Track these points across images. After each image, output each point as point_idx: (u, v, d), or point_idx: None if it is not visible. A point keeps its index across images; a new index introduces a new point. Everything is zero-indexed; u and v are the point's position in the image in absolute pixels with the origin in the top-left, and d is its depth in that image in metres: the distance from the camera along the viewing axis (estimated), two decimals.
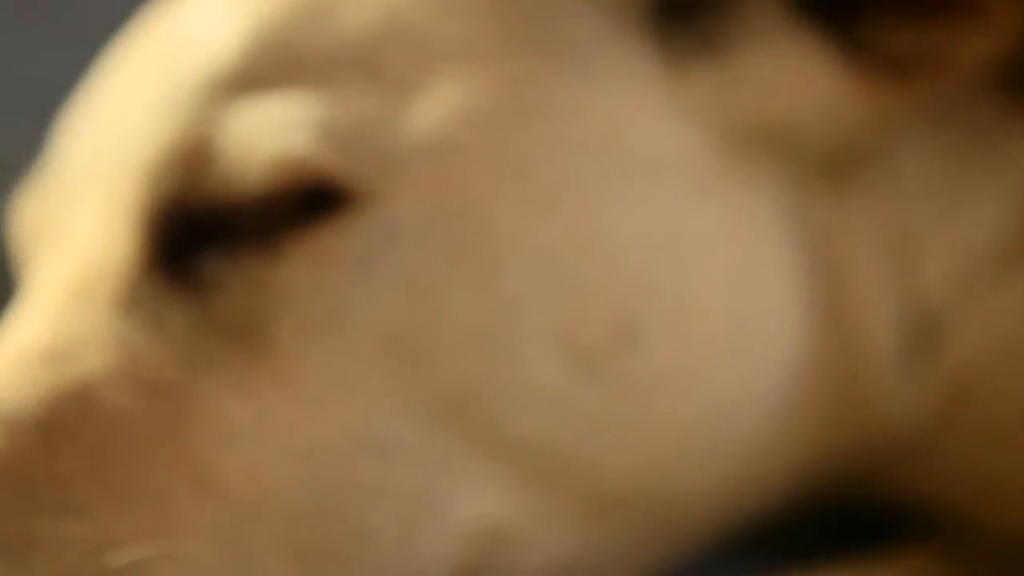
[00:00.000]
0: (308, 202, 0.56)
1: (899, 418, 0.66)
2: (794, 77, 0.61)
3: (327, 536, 0.54)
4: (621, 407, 0.58)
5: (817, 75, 0.62)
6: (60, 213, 0.63)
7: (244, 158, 0.55)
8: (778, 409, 0.63)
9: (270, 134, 0.55)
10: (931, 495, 0.69)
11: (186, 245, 0.57)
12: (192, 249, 0.57)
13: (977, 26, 0.62)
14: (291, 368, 0.55)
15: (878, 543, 0.69)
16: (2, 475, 0.51)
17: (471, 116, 0.57)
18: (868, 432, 0.66)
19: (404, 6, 0.59)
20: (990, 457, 0.67)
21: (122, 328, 0.56)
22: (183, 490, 0.53)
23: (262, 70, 0.57)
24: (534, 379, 0.57)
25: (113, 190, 0.59)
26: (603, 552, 0.61)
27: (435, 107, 0.57)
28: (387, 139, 0.56)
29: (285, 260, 0.56)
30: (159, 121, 0.58)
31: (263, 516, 0.53)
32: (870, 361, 0.65)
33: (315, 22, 0.59)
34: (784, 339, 0.63)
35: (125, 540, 0.51)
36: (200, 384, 0.55)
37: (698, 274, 0.60)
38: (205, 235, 0.57)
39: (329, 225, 0.56)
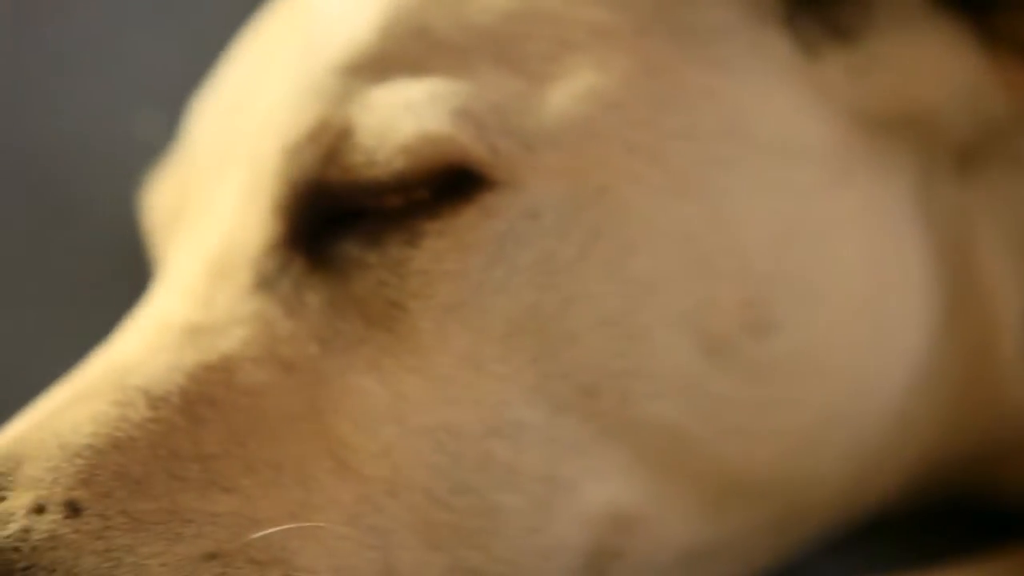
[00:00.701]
0: (446, 184, 0.56)
1: (1023, 406, 0.66)
2: (930, 64, 0.61)
3: (460, 514, 0.55)
4: (750, 393, 0.58)
5: (953, 63, 0.61)
6: (197, 193, 0.64)
7: (384, 139, 0.56)
8: (906, 397, 0.63)
9: (411, 116, 0.56)
10: None
11: (324, 226, 0.58)
12: (330, 230, 0.58)
13: None
14: (427, 350, 0.56)
15: (990, 542, 0.68)
16: (151, 449, 0.52)
17: (606, 101, 0.58)
18: (991, 420, 0.66)
19: None
20: None
21: (262, 307, 0.57)
22: (322, 467, 0.54)
23: (399, 55, 0.58)
24: (664, 363, 0.57)
25: (252, 171, 0.60)
26: (724, 542, 0.61)
27: (571, 93, 0.58)
28: (524, 123, 0.57)
29: (424, 243, 0.56)
30: (298, 103, 0.58)
31: (399, 494, 0.54)
32: (996, 348, 0.65)
33: (449, 9, 0.59)
34: (913, 325, 0.63)
35: (269, 516, 0.52)
36: (337, 363, 0.56)
37: (829, 261, 0.60)
38: (343, 217, 0.58)
39: (468, 208, 0.56)
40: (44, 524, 0.50)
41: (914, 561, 0.64)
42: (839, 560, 0.66)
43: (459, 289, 0.56)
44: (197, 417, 0.53)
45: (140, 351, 0.56)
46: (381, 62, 0.58)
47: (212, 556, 0.50)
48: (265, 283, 0.58)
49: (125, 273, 0.72)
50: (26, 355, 0.81)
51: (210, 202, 0.62)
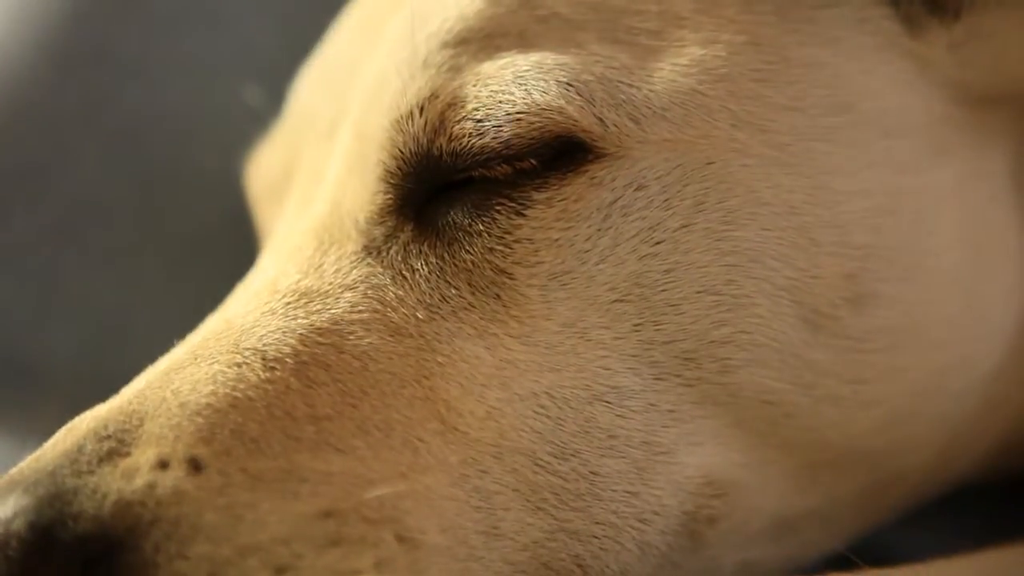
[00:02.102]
0: (554, 155, 0.57)
1: None
2: None
3: (563, 477, 0.56)
4: (847, 364, 0.59)
5: None
6: (302, 162, 0.65)
7: (494, 109, 0.57)
8: (995, 371, 0.64)
9: (520, 87, 0.57)
10: None
11: (431, 195, 0.59)
12: (437, 199, 0.59)
13: None
14: (533, 317, 0.57)
15: None
16: (267, 410, 0.54)
17: (713, 75, 0.58)
18: None
19: None
20: None
21: (370, 272, 0.58)
22: (430, 430, 0.55)
23: (508, 29, 0.59)
24: (764, 333, 0.58)
25: (359, 141, 0.61)
26: (814, 511, 0.62)
27: (677, 66, 0.59)
28: (632, 96, 0.58)
29: (532, 212, 0.57)
30: (407, 75, 0.60)
31: (503, 456, 0.56)
32: None
33: None
34: (1004, 301, 0.63)
35: (380, 476, 0.53)
36: (444, 329, 0.57)
37: (927, 234, 0.61)
38: (450, 186, 0.59)
39: (575, 178, 0.57)
40: (168, 480, 0.51)
41: (997, 535, 0.64)
42: (925, 530, 0.66)
43: (565, 257, 0.57)
44: (310, 379, 0.55)
45: (253, 315, 0.58)
46: (489, 36, 0.59)
47: (327, 514, 0.52)
48: (374, 250, 0.59)
49: (230, 239, 0.73)
50: (139, 318, 0.83)
51: (316, 171, 0.64)
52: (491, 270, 0.58)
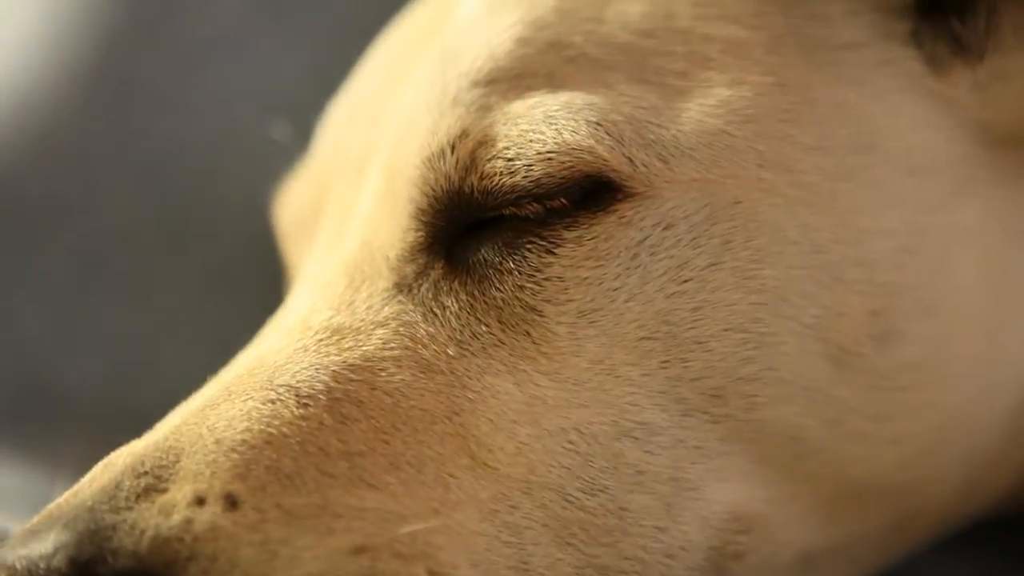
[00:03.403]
0: (584, 194, 0.58)
1: None
2: None
3: (592, 513, 0.57)
4: (872, 400, 0.60)
5: None
6: (330, 199, 0.66)
7: (524, 148, 0.58)
8: (1019, 402, 0.64)
9: (551, 127, 0.58)
10: None
11: (462, 233, 0.60)
12: (467, 237, 0.60)
13: None
14: (562, 353, 0.58)
15: None
16: (301, 446, 0.54)
17: (740, 116, 0.59)
18: None
19: (672, 11, 0.61)
20: None
21: (402, 309, 0.59)
22: (460, 465, 0.56)
23: (537, 69, 0.60)
24: (790, 370, 0.58)
25: (389, 178, 0.62)
26: (840, 544, 0.62)
27: (705, 107, 0.59)
28: (660, 136, 0.58)
29: (562, 251, 0.58)
30: (437, 113, 0.60)
31: (533, 492, 0.56)
32: None
33: (586, 25, 0.61)
34: None
35: (413, 512, 0.54)
36: (474, 365, 0.58)
37: (950, 272, 0.61)
38: (480, 224, 0.59)
39: (605, 217, 0.58)
40: (205, 516, 0.52)
41: (1019, 566, 0.65)
42: (948, 563, 0.67)
43: (594, 295, 0.58)
44: (343, 416, 0.56)
45: (286, 351, 0.58)
46: (519, 76, 0.60)
47: (361, 550, 0.52)
48: (404, 287, 0.60)
49: (254, 271, 0.74)
50: (165, 350, 0.83)
51: (346, 208, 0.64)
52: (521, 307, 0.58)
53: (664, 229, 0.58)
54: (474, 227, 0.60)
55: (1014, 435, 0.65)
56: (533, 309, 0.58)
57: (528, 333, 0.58)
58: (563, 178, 0.58)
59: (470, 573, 0.54)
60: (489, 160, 0.58)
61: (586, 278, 0.58)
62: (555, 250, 0.58)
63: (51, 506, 0.54)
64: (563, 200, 0.58)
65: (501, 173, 0.58)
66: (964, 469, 0.64)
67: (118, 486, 0.53)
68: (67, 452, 0.66)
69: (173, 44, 0.91)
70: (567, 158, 0.58)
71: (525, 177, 0.58)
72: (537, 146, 0.58)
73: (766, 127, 0.59)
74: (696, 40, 0.61)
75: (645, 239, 0.58)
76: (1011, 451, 0.66)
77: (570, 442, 0.57)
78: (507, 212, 0.59)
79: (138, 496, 0.52)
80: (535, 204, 0.58)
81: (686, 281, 0.58)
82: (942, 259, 0.61)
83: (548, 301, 0.58)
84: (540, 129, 0.58)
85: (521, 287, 0.58)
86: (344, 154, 0.67)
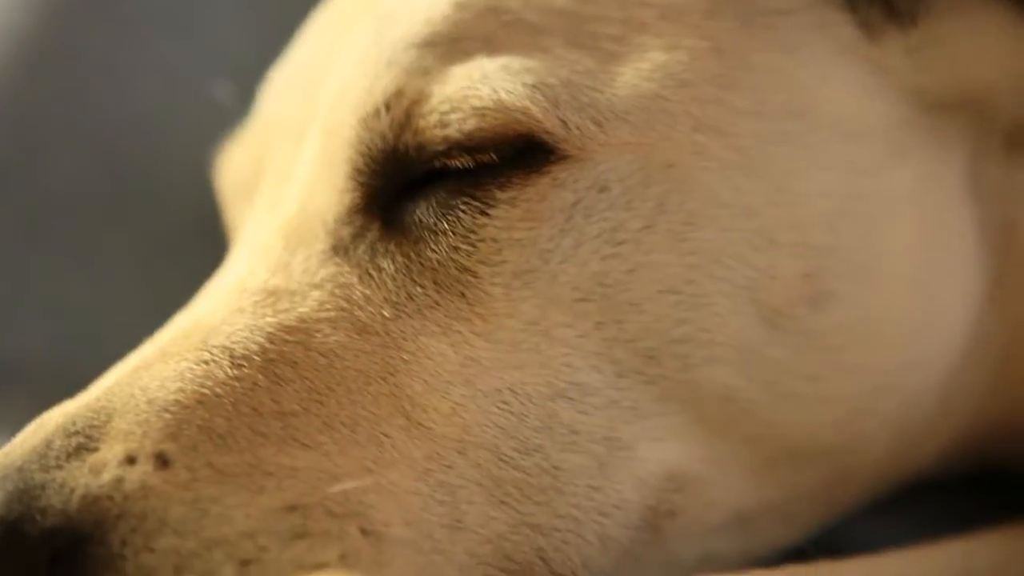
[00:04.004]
0: (516, 153, 0.58)
1: None
2: (987, 47, 0.63)
3: (527, 472, 0.57)
4: (805, 362, 0.60)
5: (1010, 46, 0.63)
6: (271, 162, 0.66)
7: (459, 103, 0.58)
8: (951, 369, 0.65)
9: (486, 86, 0.58)
10: None
11: (398, 195, 0.60)
12: (403, 199, 0.60)
13: None
14: (497, 315, 0.58)
15: None
16: (234, 406, 0.55)
17: (675, 80, 0.60)
18: None
19: None
20: None
21: (338, 271, 0.59)
22: (395, 426, 0.56)
23: (474, 32, 0.60)
24: (723, 331, 0.59)
25: (327, 141, 0.62)
26: (774, 504, 0.63)
27: (641, 71, 0.60)
28: (595, 100, 0.59)
29: (496, 212, 0.58)
30: (373, 76, 0.60)
31: (467, 452, 0.57)
32: None
33: None
34: (960, 300, 0.65)
35: (346, 471, 0.54)
36: (409, 327, 0.58)
37: (885, 235, 0.62)
38: (416, 185, 0.60)
39: (539, 179, 0.58)
40: (135, 475, 0.52)
41: (953, 526, 0.65)
42: (882, 524, 0.68)
43: (528, 257, 0.58)
44: (277, 376, 0.56)
45: (221, 313, 0.58)
46: (456, 40, 0.60)
47: (292, 508, 0.53)
48: (341, 249, 0.60)
49: (200, 236, 0.74)
50: (109, 315, 0.83)
51: (285, 171, 0.64)
52: (456, 269, 0.59)
53: (598, 192, 0.59)
54: (411, 188, 0.60)
55: (948, 398, 0.66)
56: (467, 270, 0.59)
57: (463, 294, 0.58)
58: (495, 134, 0.58)
59: (403, 531, 0.54)
60: (423, 115, 0.59)
61: (520, 239, 0.58)
62: (489, 211, 0.58)
63: None
64: (493, 155, 0.58)
65: (434, 126, 0.58)
66: (897, 431, 0.65)
67: (48, 445, 0.53)
68: (10, 418, 0.66)
69: (117, 10, 0.90)
70: (501, 116, 0.58)
71: (458, 130, 0.58)
72: (473, 102, 0.58)
73: (701, 91, 0.60)
74: (632, 5, 0.61)
75: (579, 201, 0.58)
76: (945, 414, 0.66)
77: (504, 402, 0.57)
78: (438, 164, 0.59)
79: (69, 455, 0.53)
80: (465, 156, 0.58)
81: (620, 243, 0.58)
82: (876, 222, 0.62)
83: (482, 262, 0.58)
84: (476, 87, 0.58)
85: (456, 248, 0.59)
86: (284, 118, 0.67)
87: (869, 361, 0.62)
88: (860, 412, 0.63)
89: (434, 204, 0.59)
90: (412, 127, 0.59)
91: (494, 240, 0.58)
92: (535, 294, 0.58)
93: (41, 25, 0.88)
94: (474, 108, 0.58)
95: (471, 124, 0.58)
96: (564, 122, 0.58)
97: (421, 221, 0.59)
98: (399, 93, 0.59)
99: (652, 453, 0.59)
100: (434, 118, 0.58)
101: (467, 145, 0.58)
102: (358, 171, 0.60)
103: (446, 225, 0.59)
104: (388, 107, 0.59)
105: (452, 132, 0.58)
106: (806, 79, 0.61)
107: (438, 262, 0.59)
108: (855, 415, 0.63)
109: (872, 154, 0.62)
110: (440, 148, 0.58)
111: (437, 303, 0.59)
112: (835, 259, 0.60)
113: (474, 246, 0.58)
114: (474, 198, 0.59)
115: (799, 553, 0.61)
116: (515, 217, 0.58)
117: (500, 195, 0.58)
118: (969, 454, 0.69)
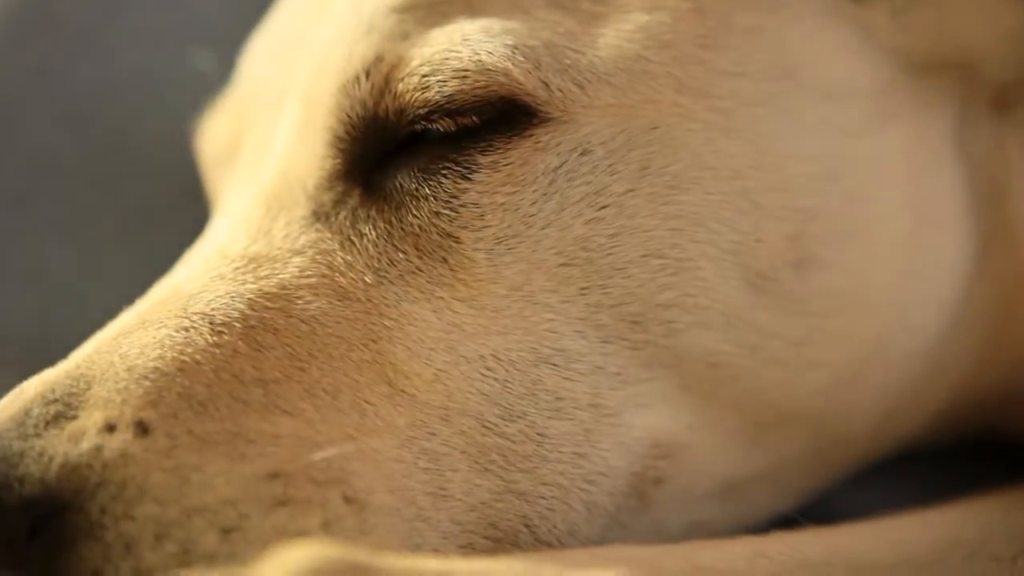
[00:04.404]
0: (498, 116, 0.58)
1: None
2: (974, 9, 0.62)
3: (511, 439, 0.57)
4: (791, 326, 0.60)
5: (996, 10, 0.62)
6: (251, 129, 0.65)
7: (440, 66, 0.57)
8: (939, 334, 0.65)
9: (466, 48, 0.57)
10: None
11: (379, 160, 0.59)
12: (384, 164, 0.59)
13: None
14: (480, 280, 0.58)
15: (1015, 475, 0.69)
16: (215, 373, 0.54)
17: (657, 40, 0.59)
18: (1019, 359, 0.67)
19: None
20: None
21: (319, 237, 0.59)
22: (377, 393, 0.56)
23: None
24: (708, 295, 0.58)
25: (307, 107, 0.61)
26: (761, 472, 0.63)
27: (622, 32, 0.59)
28: (577, 61, 0.58)
29: (477, 177, 0.58)
30: (352, 42, 0.60)
31: (451, 419, 0.56)
32: None
33: None
34: (948, 264, 0.64)
35: (328, 438, 0.54)
36: (392, 293, 0.58)
37: (870, 198, 0.61)
38: (397, 151, 0.59)
39: (520, 142, 0.58)
40: (115, 442, 0.52)
41: (944, 495, 0.65)
42: (873, 493, 0.67)
43: (511, 221, 0.58)
44: (258, 343, 0.55)
45: (202, 280, 0.58)
46: (436, 2, 0.59)
47: (274, 475, 0.52)
48: (322, 215, 0.59)
49: (182, 205, 0.73)
50: (90, 285, 0.83)
51: (265, 138, 0.64)
52: (438, 234, 0.58)
53: (581, 155, 0.58)
54: (392, 154, 0.59)
55: (937, 365, 0.65)
56: (450, 236, 0.58)
57: (445, 260, 0.58)
58: (476, 97, 0.57)
59: (386, 499, 0.54)
60: (403, 79, 0.58)
61: (503, 204, 0.58)
62: (470, 176, 0.58)
63: None
64: (475, 118, 0.58)
65: (414, 89, 0.58)
66: (884, 398, 0.64)
67: (27, 414, 0.53)
68: None
69: None
70: (482, 78, 0.57)
71: (439, 92, 0.57)
72: (453, 63, 0.57)
73: (683, 52, 0.59)
74: None
75: (562, 164, 0.58)
76: (934, 381, 0.66)
77: (488, 368, 0.57)
78: (419, 128, 0.58)
79: (47, 423, 0.52)
80: (446, 119, 0.58)
81: (604, 207, 0.58)
82: (862, 185, 0.61)
83: (465, 228, 0.58)
84: (457, 49, 0.58)
85: (437, 213, 0.58)
86: (264, 86, 0.66)
87: (855, 326, 0.61)
88: (847, 378, 0.62)
89: (415, 170, 0.59)
90: (392, 91, 0.58)
91: (476, 205, 0.58)
92: (518, 259, 0.58)
93: None
94: (454, 70, 0.57)
95: (451, 86, 0.57)
96: (546, 84, 0.58)
97: (402, 187, 0.59)
98: (379, 59, 0.59)
99: (638, 419, 0.59)
100: (414, 81, 0.58)
101: (448, 108, 0.58)
102: (339, 138, 0.60)
103: (428, 190, 0.58)
104: (368, 73, 0.59)
105: (432, 95, 0.57)
106: (790, 39, 0.60)
107: (420, 228, 0.58)
108: (842, 381, 0.62)
109: (857, 116, 0.61)
110: (421, 111, 0.58)
111: (419, 269, 0.58)
112: (820, 222, 0.60)
113: (456, 211, 0.58)
114: (456, 163, 0.58)
115: (788, 522, 0.61)
116: (497, 182, 0.58)
117: (482, 159, 0.58)
118: (960, 421, 0.69)
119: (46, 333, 0.81)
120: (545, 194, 0.58)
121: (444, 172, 0.58)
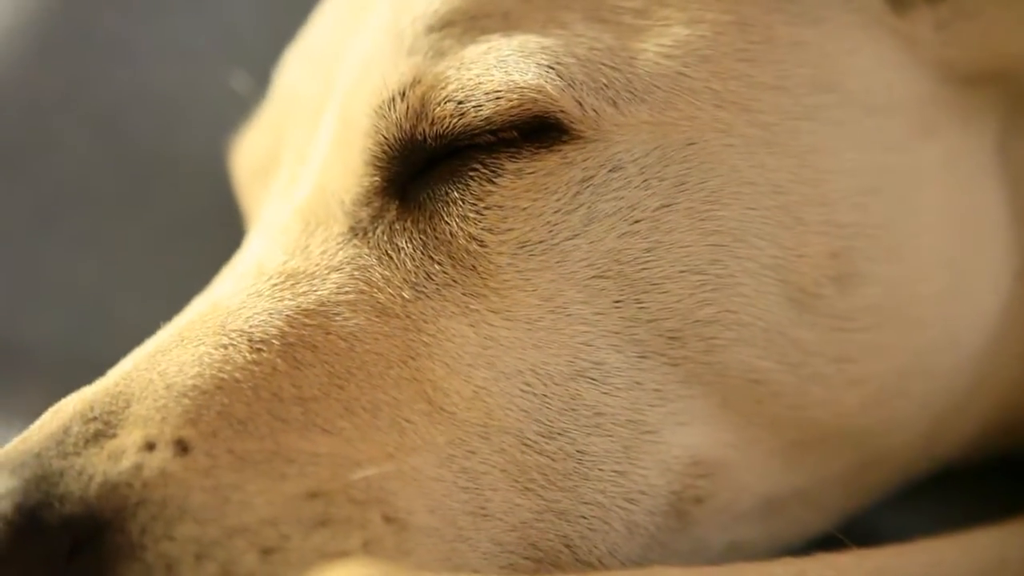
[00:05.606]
0: (532, 133, 0.57)
1: None
2: (1018, 22, 0.62)
3: (551, 457, 0.56)
4: (833, 343, 0.59)
5: None
6: (287, 146, 0.65)
7: (472, 93, 0.57)
8: (981, 351, 0.64)
9: (499, 71, 0.57)
10: None
11: (415, 175, 0.59)
12: (422, 176, 0.59)
13: None
14: (509, 288, 0.57)
15: None
16: (254, 391, 0.54)
17: (697, 55, 0.59)
18: None
19: None
20: None
21: (356, 253, 0.58)
22: (417, 410, 0.55)
23: (490, 12, 0.59)
24: (749, 312, 0.58)
25: (344, 125, 0.61)
26: (801, 490, 0.62)
27: (661, 47, 0.59)
28: (614, 80, 0.58)
29: (502, 181, 0.58)
30: (388, 61, 0.60)
31: (491, 436, 0.56)
32: None
33: None
34: (991, 280, 0.64)
35: (368, 457, 0.53)
36: (429, 308, 0.57)
37: (912, 213, 0.61)
38: (433, 166, 0.59)
39: (549, 154, 0.57)
40: (155, 461, 0.51)
41: (985, 514, 0.64)
42: (913, 512, 0.67)
43: (533, 226, 0.57)
44: (297, 360, 0.55)
45: (240, 296, 0.58)
46: (474, 18, 0.59)
47: (314, 495, 0.52)
48: (360, 231, 0.59)
49: (215, 222, 0.73)
50: (122, 301, 0.83)
51: (302, 154, 0.64)
52: (465, 238, 0.58)
53: (610, 171, 0.58)
54: (430, 164, 0.59)
55: (980, 380, 0.65)
56: (475, 239, 0.58)
57: (475, 267, 0.58)
58: (512, 115, 0.57)
59: (426, 519, 0.53)
60: (439, 104, 0.58)
61: (525, 208, 0.57)
62: (496, 179, 0.58)
63: None
64: (514, 132, 0.57)
65: (451, 115, 0.58)
66: (927, 414, 0.64)
67: (66, 432, 0.52)
68: (25, 406, 0.65)
69: None
70: (515, 96, 0.57)
71: (475, 116, 0.57)
72: (486, 87, 0.57)
73: (724, 67, 0.59)
74: None
75: (589, 179, 0.57)
76: (977, 397, 0.65)
77: (527, 384, 0.57)
78: (459, 145, 0.58)
79: (87, 442, 0.52)
80: (488, 136, 0.58)
81: (637, 222, 0.57)
82: (904, 200, 0.61)
83: (488, 230, 0.58)
84: (491, 73, 0.57)
85: (465, 217, 0.58)
86: (300, 102, 0.66)
87: (897, 341, 0.61)
88: (889, 394, 0.61)
89: (447, 174, 0.59)
90: (428, 117, 0.58)
91: (500, 207, 0.58)
92: (544, 267, 0.57)
93: (55, 10, 0.88)
94: (487, 92, 0.57)
95: (488, 109, 0.57)
96: (579, 103, 0.57)
97: (435, 193, 0.59)
98: (416, 80, 0.59)
99: (677, 437, 0.58)
100: (450, 107, 0.58)
101: (488, 128, 0.58)
102: (376, 158, 0.59)
103: (456, 193, 0.58)
104: (403, 95, 0.59)
105: (470, 120, 0.57)
106: (832, 52, 0.60)
107: (451, 233, 0.58)
108: (884, 397, 0.61)
109: (900, 130, 0.61)
110: (459, 133, 0.58)
111: (454, 280, 0.58)
112: (863, 237, 0.59)
113: (481, 214, 0.58)
114: (484, 165, 0.58)
115: (828, 541, 0.60)
116: (521, 187, 0.57)
117: (509, 165, 0.58)
118: (1001, 439, 0.68)
119: (76, 348, 0.81)
120: (569, 205, 0.57)
121: (472, 174, 0.58)
